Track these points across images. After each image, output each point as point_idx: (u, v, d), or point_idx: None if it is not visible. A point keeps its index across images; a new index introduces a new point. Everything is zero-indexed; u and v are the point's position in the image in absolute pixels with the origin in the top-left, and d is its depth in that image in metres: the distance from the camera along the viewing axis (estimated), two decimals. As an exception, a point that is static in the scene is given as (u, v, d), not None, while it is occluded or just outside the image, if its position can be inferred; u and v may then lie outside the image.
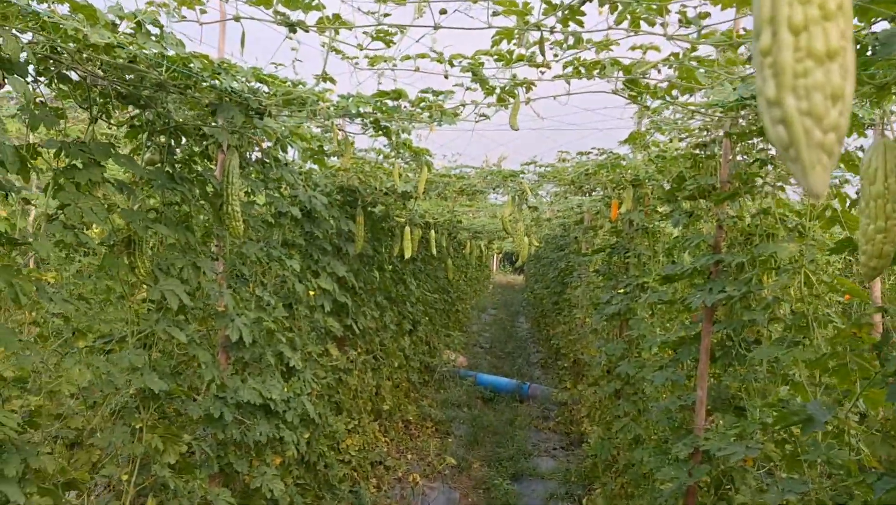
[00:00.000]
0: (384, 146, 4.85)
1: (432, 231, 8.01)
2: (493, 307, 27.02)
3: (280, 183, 4.52)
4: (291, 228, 5.20)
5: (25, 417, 2.60)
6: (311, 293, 5.19)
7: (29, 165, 2.48)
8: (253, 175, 4.08)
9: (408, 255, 6.30)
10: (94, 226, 4.88)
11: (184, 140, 3.38)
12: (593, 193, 7.17)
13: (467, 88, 3.17)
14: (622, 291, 6.09)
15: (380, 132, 3.92)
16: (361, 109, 3.50)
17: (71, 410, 2.95)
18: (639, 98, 2.92)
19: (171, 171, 3.18)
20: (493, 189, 6.20)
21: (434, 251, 8.20)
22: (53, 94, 2.71)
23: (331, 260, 5.86)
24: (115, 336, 3.20)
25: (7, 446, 2.29)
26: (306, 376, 4.86)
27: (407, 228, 7.20)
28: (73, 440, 3.11)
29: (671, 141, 4.67)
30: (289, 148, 4.25)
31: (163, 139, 3.23)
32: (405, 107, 3.55)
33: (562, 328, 11.02)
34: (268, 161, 4.28)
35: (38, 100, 2.60)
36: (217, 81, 2.85)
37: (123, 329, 3.31)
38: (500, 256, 42.79)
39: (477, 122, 3.59)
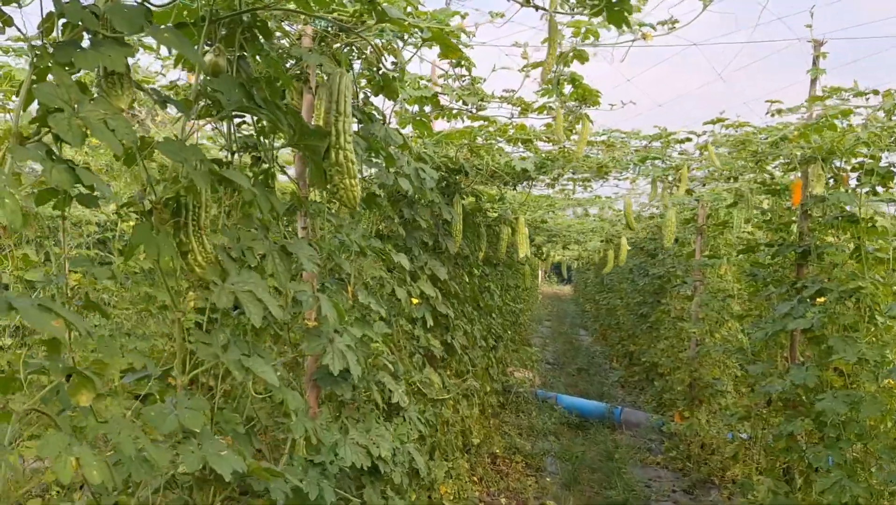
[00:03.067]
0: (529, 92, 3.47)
1: (525, 228, 6.60)
2: (547, 318, 25.51)
3: (384, 145, 3.16)
4: (387, 213, 3.85)
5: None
6: (414, 302, 3.82)
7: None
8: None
9: (522, 254, 4.92)
10: (121, 178, 3.55)
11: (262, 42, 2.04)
12: (739, 179, 5.70)
13: None
14: (808, 299, 4.61)
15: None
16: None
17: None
18: None
19: (245, 85, 1.83)
20: (629, 168, 4.78)
21: (527, 253, 6.80)
22: None
23: (429, 259, 4.49)
24: (152, 371, 1.85)
25: None
26: (411, 415, 3.49)
27: (508, 226, 5.83)
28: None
29: None
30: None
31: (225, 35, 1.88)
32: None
33: (663, 344, 9.49)
34: (368, 110, 2.95)
35: None
36: None
37: (165, 358, 1.98)
38: (549, 266, 41.21)
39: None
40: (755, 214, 6.10)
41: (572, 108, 3.61)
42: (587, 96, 3.25)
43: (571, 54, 2.95)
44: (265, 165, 2.33)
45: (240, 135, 2.42)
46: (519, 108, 3.66)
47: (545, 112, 3.69)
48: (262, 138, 2.17)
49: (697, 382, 7.96)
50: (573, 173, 4.94)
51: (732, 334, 6.81)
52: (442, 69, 3.33)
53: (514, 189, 5.36)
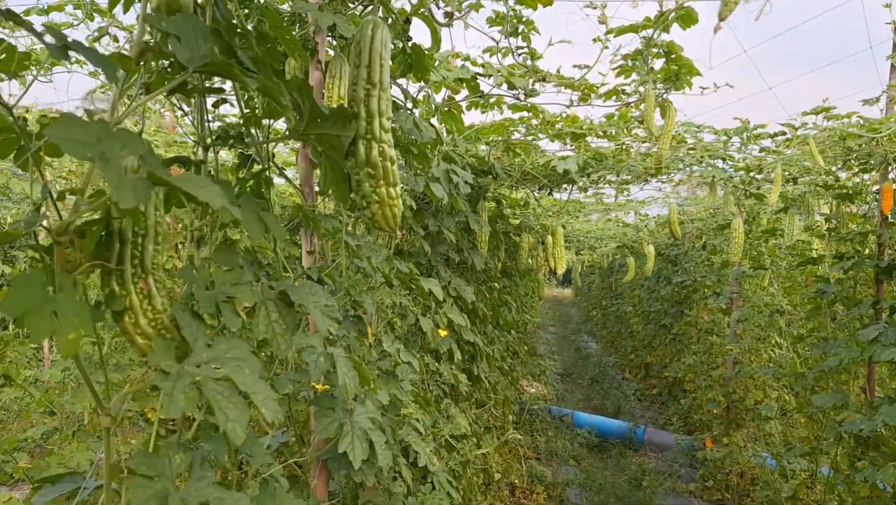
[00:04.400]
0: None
1: (549, 237, 5.88)
2: (550, 324, 24.79)
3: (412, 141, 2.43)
4: (409, 225, 3.12)
5: None
6: (442, 334, 3.09)
7: None
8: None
9: (560, 270, 4.19)
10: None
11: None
12: (800, 180, 4.98)
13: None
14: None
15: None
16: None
17: None
18: None
19: (223, 34, 1.10)
20: (685, 167, 4.05)
21: (552, 263, 6.07)
22: None
23: (453, 276, 3.76)
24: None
25: None
26: (441, 479, 2.77)
27: (529, 233, 5.09)
28: None
29: None
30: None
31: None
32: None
33: (690, 359, 8.75)
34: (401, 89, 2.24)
35: None
36: None
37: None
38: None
39: None
40: (814, 222, 5.39)
41: (645, 94, 2.89)
42: (681, 74, 2.54)
43: (674, 14, 2.22)
44: (257, 167, 1.60)
45: (219, 125, 1.70)
46: (578, 94, 2.93)
47: (613, 98, 2.97)
48: (251, 127, 1.44)
49: (736, 404, 7.23)
50: (618, 175, 4.24)
51: (782, 356, 6.08)
52: (492, 38, 2.60)
53: (549, 193, 4.65)
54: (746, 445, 6.94)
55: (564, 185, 4.20)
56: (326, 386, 1.84)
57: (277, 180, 4.55)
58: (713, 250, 8.20)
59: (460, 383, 3.65)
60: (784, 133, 3.63)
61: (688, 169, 4.16)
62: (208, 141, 1.33)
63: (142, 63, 1.11)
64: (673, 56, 2.51)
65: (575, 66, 2.74)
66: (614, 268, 17.96)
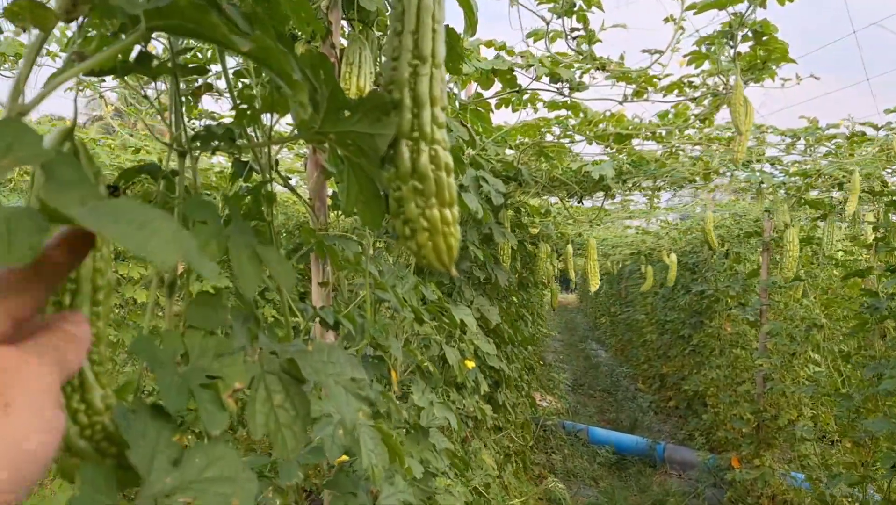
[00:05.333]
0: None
1: (570, 247, 5.49)
2: (555, 329, 24.34)
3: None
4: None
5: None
6: (469, 365, 2.69)
7: None
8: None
9: (594, 287, 3.80)
10: None
11: None
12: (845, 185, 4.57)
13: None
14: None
15: None
16: None
17: None
18: None
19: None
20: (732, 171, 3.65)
21: (572, 274, 5.68)
22: None
23: (476, 295, 3.37)
24: None
25: None
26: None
27: (547, 244, 4.70)
28: None
29: None
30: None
31: None
32: None
33: (713, 373, 8.33)
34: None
35: None
36: None
37: None
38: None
39: None
40: (859, 230, 4.98)
41: (714, 88, 2.49)
42: (770, 61, 2.14)
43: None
44: (256, 178, 1.22)
45: (206, 124, 1.30)
46: (633, 88, 2.53)
47: (674, 93, 2.58)
48: (245, 125, 1.04)
49: (767, 423, 6.82)
50: (655, 181, 3.85)
51: (820, 373, 5.67)
52: (542, 17, 2.21)
53: (579, 202, 4.25)
54: (777, 467, 6.52)
55: (598, 193, 3.81)
56: (343, 458, 1.45)
57: (279, 188, 4.15)
58: (737, 259, 7.79)
59: (486, 416, 3.25)
60: (863, 134, 3.23)
61: (732, 174, 3.77)
62: (184, 140, 0.93)
63: (76, 21, 0.72)
64: (765, 38, 2.11)
65: (644, 52, 2.34)
66: (624, 274, 17.55)
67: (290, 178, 4.15)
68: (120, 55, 0.92)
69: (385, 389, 1.78)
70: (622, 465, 8.52)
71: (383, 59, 0.91)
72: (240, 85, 1.30)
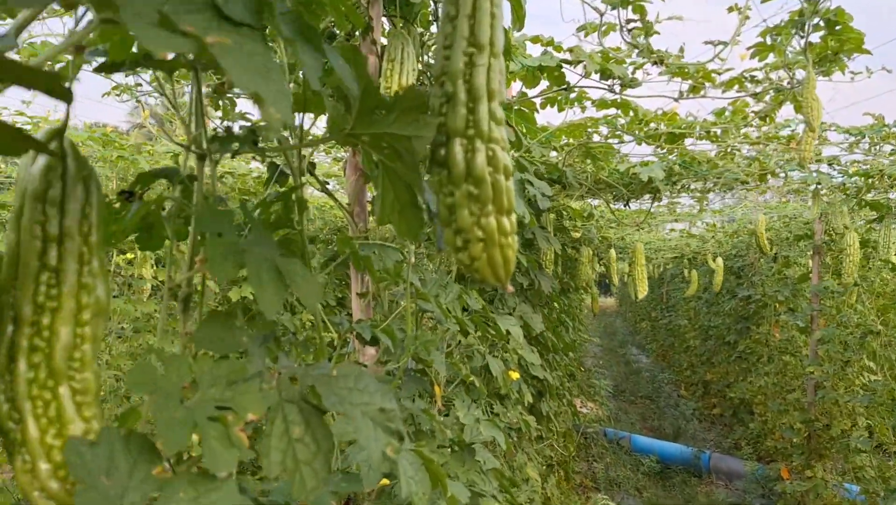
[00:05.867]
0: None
1: (613, 251, 5.33)
2: (596, 334, 23.99)
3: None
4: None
5: None
6: (514, 376, 2.57)
7: None
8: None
9: (641, 294, 3.65)
10: None
11: None
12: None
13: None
14: None
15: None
16: None
17: None
18: None
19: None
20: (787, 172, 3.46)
21: (616, 280, 5.51)
22: None
23: (519, 303, 3.24)
24: None
25: None
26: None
27: (589, 248, 4.54)
28: None
29: None
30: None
31: None
32: None
33: (762, 381, 8.07)
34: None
35: None
36: None
37: None
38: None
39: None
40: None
41: (778, 82, 2.33)
42: (842, 52, 1.98)
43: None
44: (287, 182, 1.12)
45: (239, 126, 1.20)
46: (689, 84, 2.38)
47: (734, 88, 2.42)
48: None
49: (819, 433, 6.55)
50: (705, 182, 3.67)
51: (877, 382, 5.41)
52: (595, 9, 2.08)
53: (626, 205, 4.10)
54: (830, 479, 6.26)
55: (645, 196, 3.65)
56: (385, 480, 1.34)
57: (316, 193, 4.06)
58: (786, 263, 7.52)
59: (529, 427, 3.13)
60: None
61: (786, 175, 3.58)
62: (205, 143, 0.83)
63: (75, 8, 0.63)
64: (838, 27, 1.94)
65: (706, 43, 2.19)
66: (665, 279, 17.19)
67: (328, 183, 4.08)
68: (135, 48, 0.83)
69: (428, 405, 1.67)
70: (666, 474, 8.30)
71: (433, 48, 0.80)
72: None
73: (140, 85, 3.27)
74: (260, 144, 0.80)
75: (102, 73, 0.77)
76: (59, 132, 0.52)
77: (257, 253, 0.70)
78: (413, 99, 0.76)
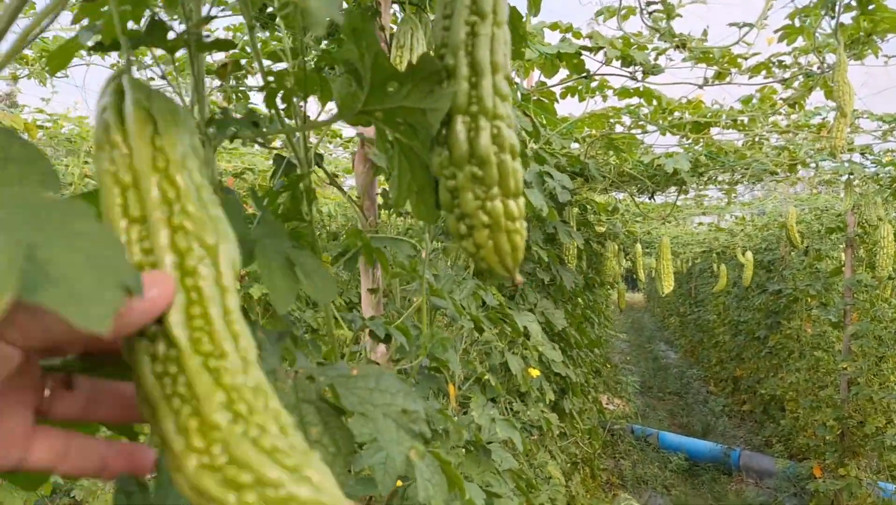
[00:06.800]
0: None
1: (638, 246, 5.23)
2: (623, 330, 23.77)
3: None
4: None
5: None
6: (534, 374, 2.51)
7: None
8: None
9: (667, 289, 3.57)
10: None
11: None
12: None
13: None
14: None
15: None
16: None
17: None
18: None
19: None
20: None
21: (642, 275, 5.42)
22: None
23: (540, 299, 3.18)
24: None
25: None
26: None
27: (615, 242, 4.46)
28: None
29: None
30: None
31: None
32: None
33: (792, 377, 7.91)
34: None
35: None
36: None
37: None
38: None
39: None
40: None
41: (807, 67, 2.25)
42: (876, 33, 1.89)
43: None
44: (295, 173, 1.08)
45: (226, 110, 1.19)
46: (714, 71, 2.30)
47: (761, 74, 2.34)
48: (274, 107, 0.90)
49: (852, 430, 6.40)
50: (733, 173, 3.57)
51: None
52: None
53: (651, 197, 4.01)
54: (864, 477, 6.12)
55: (670, 188, 3.57)
56: (399, 482, 1.29)
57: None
58: (818, 256, 7.35)
59: (551, 426, 3.07)
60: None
61: (817, 165, 3.47)
62: (203, 127, 0.79)
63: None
64: (871, 6, 1.84)
65: (731, 25, 2.11)
66: (694, 273, 16.96)
67: (344, 179, 4.04)
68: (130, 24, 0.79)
69: (443, 405, 1.62)
70: (694, 472, 8.19)
71: (433, 16, 0.75)
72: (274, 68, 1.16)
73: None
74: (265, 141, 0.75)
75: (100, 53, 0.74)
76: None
77: (268, 245, 0.66)
78: (428, 67, 0.71)
